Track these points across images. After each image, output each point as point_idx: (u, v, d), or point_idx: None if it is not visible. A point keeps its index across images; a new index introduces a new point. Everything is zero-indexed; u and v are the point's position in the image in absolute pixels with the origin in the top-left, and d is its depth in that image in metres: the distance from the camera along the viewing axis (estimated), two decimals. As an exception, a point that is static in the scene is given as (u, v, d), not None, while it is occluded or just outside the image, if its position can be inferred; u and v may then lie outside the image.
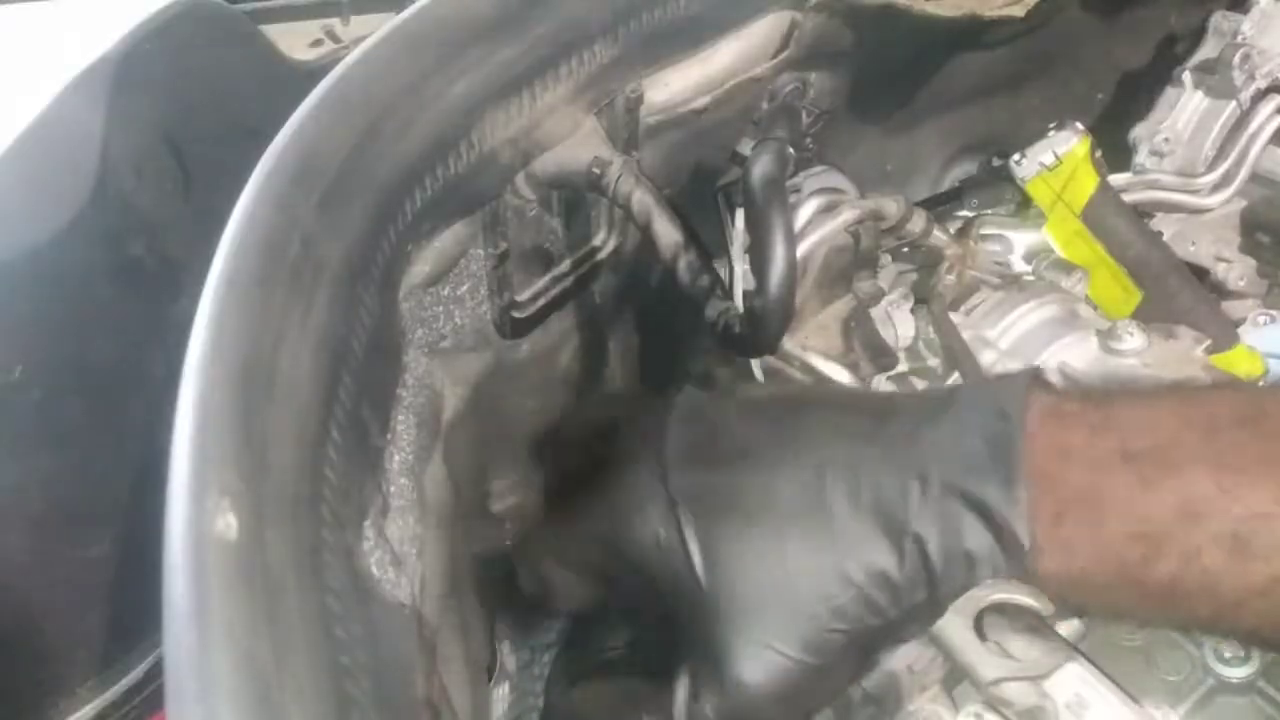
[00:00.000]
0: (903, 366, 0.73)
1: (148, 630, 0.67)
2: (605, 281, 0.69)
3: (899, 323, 0.75)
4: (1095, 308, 0.76)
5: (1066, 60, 0.96)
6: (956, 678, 0.53)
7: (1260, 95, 0.87)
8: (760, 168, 0.57)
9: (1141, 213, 0.86)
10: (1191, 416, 0.42)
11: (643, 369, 0.78)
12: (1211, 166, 0.87)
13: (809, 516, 0.44)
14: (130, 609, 0.65)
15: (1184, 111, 0.89)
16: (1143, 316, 0.73)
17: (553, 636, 0.71)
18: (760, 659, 0.43)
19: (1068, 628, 0.53)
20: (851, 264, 0.74)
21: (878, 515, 0.42)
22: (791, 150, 0.59)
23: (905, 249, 0.79)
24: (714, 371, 0.77)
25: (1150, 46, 1.00)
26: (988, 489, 0.41)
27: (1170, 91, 0.90)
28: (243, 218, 0.41)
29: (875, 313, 0.75)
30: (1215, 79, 0.87)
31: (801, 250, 0.69)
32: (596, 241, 0.67)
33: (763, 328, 0.56)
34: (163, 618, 0.32)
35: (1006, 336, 0.70)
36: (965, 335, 0.69)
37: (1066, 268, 0.78)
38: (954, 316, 0.71)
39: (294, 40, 0.96)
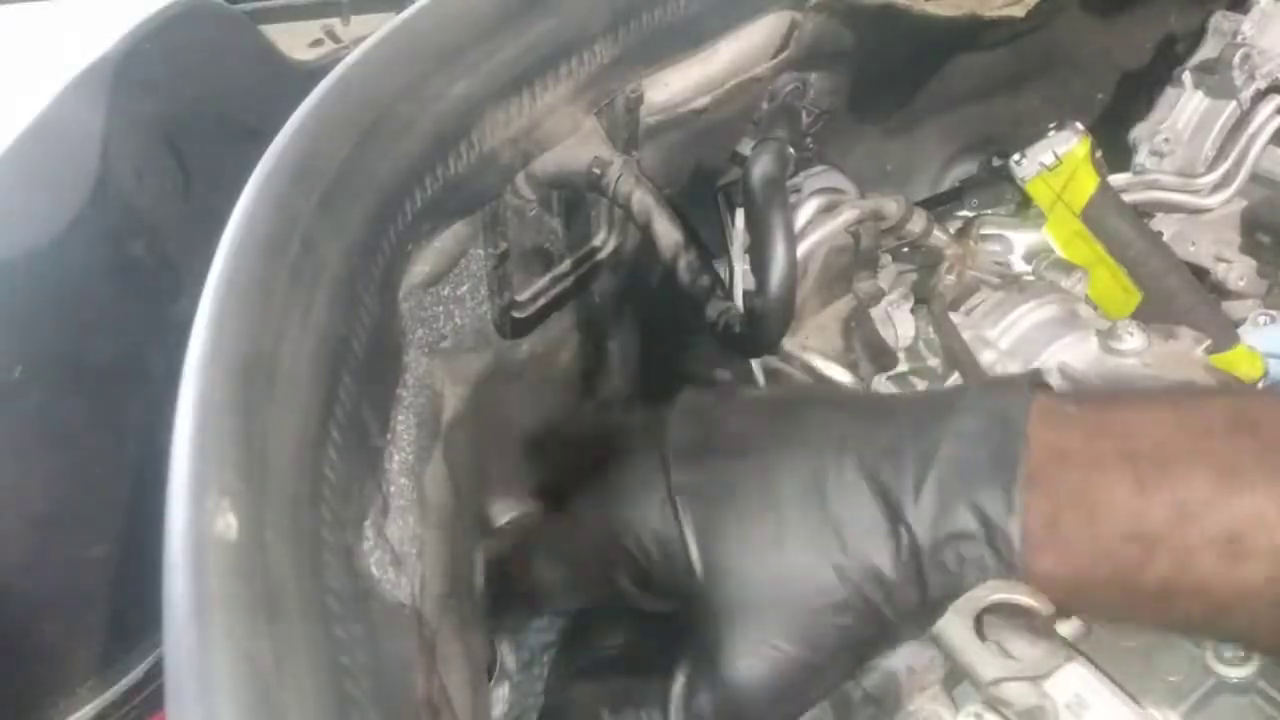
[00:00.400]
0: (903, 366, 0.73)
1: (148, 630, 0.67)
2: (605, 281, 0.69)
3: (899, 323, 0.75)
4: (1095, 308, 0.76)
5: (1066, 60, 0.96)
6: (956, 678, 0.53)
7: (1260, 95, 0.87)
8: (760, 168, 0.57)
9: (1141, 213, 0.86)
10: (1187, 421, 0.42)
11: (643, 369, 0.78)
12: (1211, 167, 0.87)
13: (807, 514, 0.44)
14: (130, 609, 0.65)
15: (1184, 111, 0.89)
16: (1143, 316, 0.73)
17: (553, 636, 0.71)
18: (756, 654, 0.43)
19: (1068, 628, 0.53)
20: (851, 264, 0.74)
21: (876, 516, 0.43)
22: (791, 150, 0.59)
23: (905, 249, 0.79)
24: (714, 372, 0.77)
25: (1150, 46, 1.00)
26: (985, 494, 0.41)
27: (1170, 91, 0.90)
28: (243, 218, 0.41)
29: (875, 313, 0.75)
30: (1215, 79, 0.87)
31: (801, 250, 0.69)
32: (596, 241, 0.67)
33: (763, 328, 0.56)
34: (163, 618, 0.32)
35: (1006, 336, 0.70)
36: (965, 335, 0.69)
37: (1066, 268, 0.78)
38: (954, 316, 0.71)
39: (294, 40, 0.96)
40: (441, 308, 0.57)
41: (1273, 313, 0.83)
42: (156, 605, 0.32)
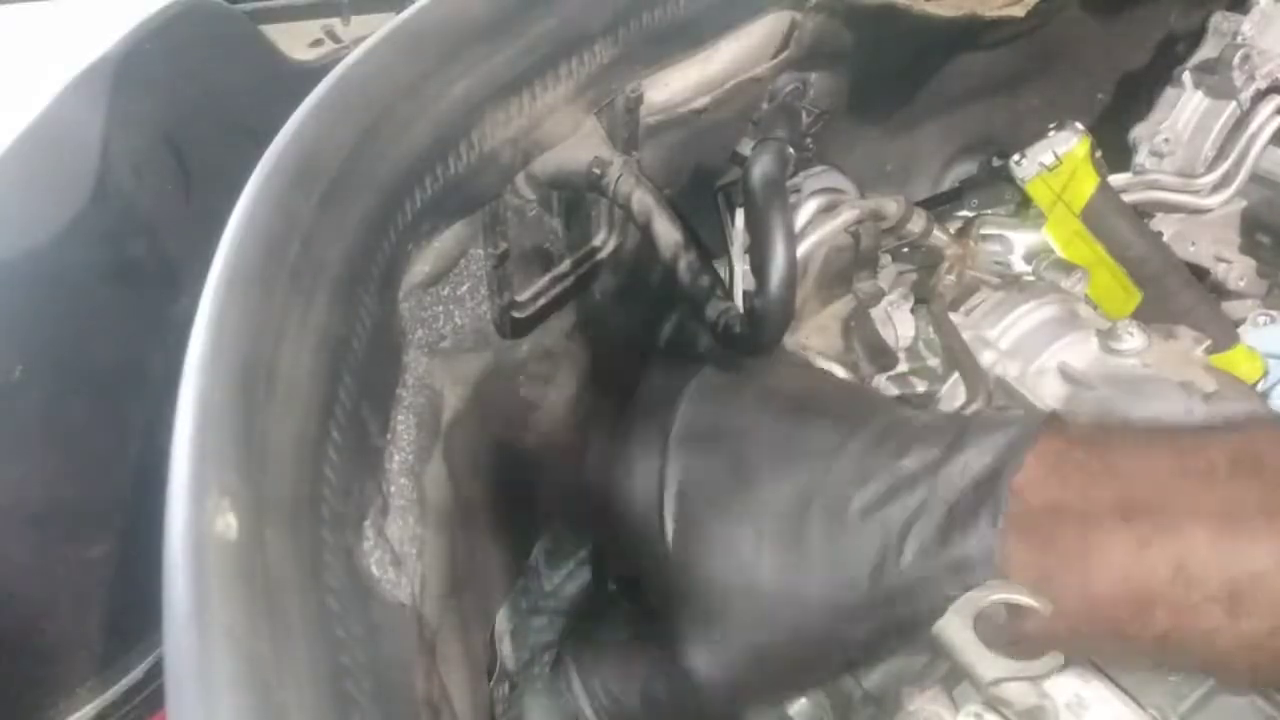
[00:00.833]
0: (903, 366, 0.73)
1: (148, 630, 0.67)
2: (605, 281, 0.69)
3: (899, 323, 0.74)
4: (1095, 308, 0.76)
5: (1066, 60, 0.96)
6: (956, 678, 0.53)
7: (1260, 95, 0.86)
8: (760, 168, 0.57)
9: (1141, 213, 0.86)
10: (1189, 465, 0.41)
11: (642, 369, 0.78)
12: (1211, 167, 0.87)
13: (787, 537, 0.44)
14: (130, 609, 0.65)
15: (1184, 112, 0.89)
16: (1143, 316, 0.73)
17: (553, 636, 0.71)
18: (711, 653, 0.44)
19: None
20: (851, 264, 0.74)
21: (853, 564, 0.43)
22: (791, 150, 0.59)
23: (905, 249, 0.79)
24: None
25: (1150, 46, 1.00)
26: (966, 547, 0.41)
27: (1170, 91, 0.90)
28: (243, 218, 0.41)
29: (875, 313, 0.75)
30: (1215, 79, 0.87)
31: (801, 250, 0.69)
32: (596, 241, 0.67)
33: (763, 328, 0.56)
34: (163, 618, 0.32)
35: (1006, 336, 0.69)
36: (965, 335, 0.69)
37: (1066, 268, 0.78)
38: (954, 316, 0.71)
39: (294, 40, 0.96)
40: (441, 308, 0.57)
41: (1273, 313, 0.83)
42: (156, 605, 0.32)
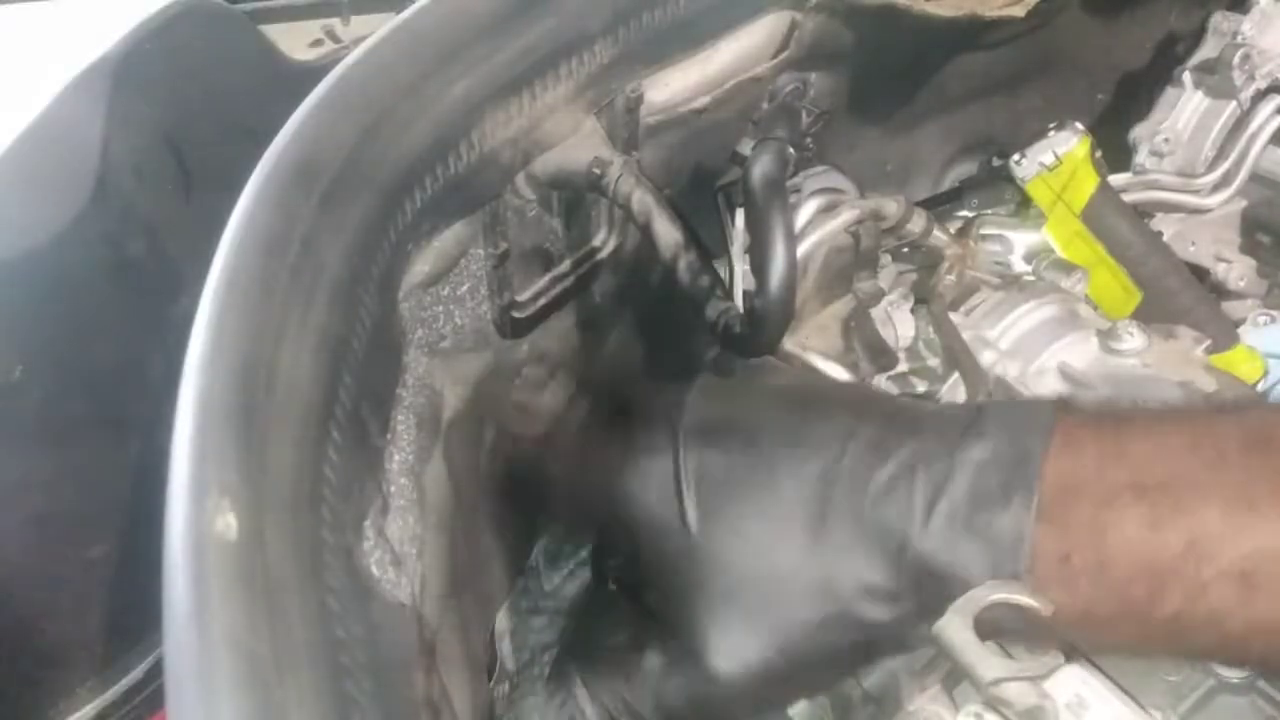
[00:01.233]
0: (903, 366, 0.73)
1: (148, 630, 0.67)
2: (605, 281, 0.69)
3: (899, 323, 0.75)
4: (1095, 308, 0.76)
5: (1066, 60, 0.96)
6: (956, 678, 0.53)
7: (1260, 95, 0.86)
8: (760, 168, 0.57)
9: (1141, 213, 0.86)
10: (1201, 445, 0.41)
11: (643, 369, 0.78)
12: (1211, 167, 0.87)
13: (810, 519, 0.43)
14: (130, 609, 0.65)
15: (1184, 111, 0.89)
16: (1143, 316, 0.73)
17: (553, 636, 0.71)
18: (734, 651, 0.43)
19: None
20: (851, 264, 0.74)
21: (878, 537, 0.42)
22: (791, 150, 0.59)
23: (905, 249, 0.79)
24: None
25: (1150, 46, 1.00)
26: (997, 521, 0.41)
27: (1170, 91, 0.90)
28: (243, 218, 0.41)
29: (875, 313, 0.75)
30: (1215, 79, 0.87)
31: (802, 250, 0.69)
32: (596, 241, 0.67)
33: (763, 328, 0.56)
34: (163, 618, 0.32)
35: (1006, 337, 0.69)
36: (965, 335, 0.69)
37: (1066, 268, 0.78)
38: (954, 316, 0.71)
39: (294, 40, 0.96)
40: (441, 308, 0.57)
41: (1273, 313, 0.83)
42: (156, 605, 0.32)
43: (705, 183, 0.72)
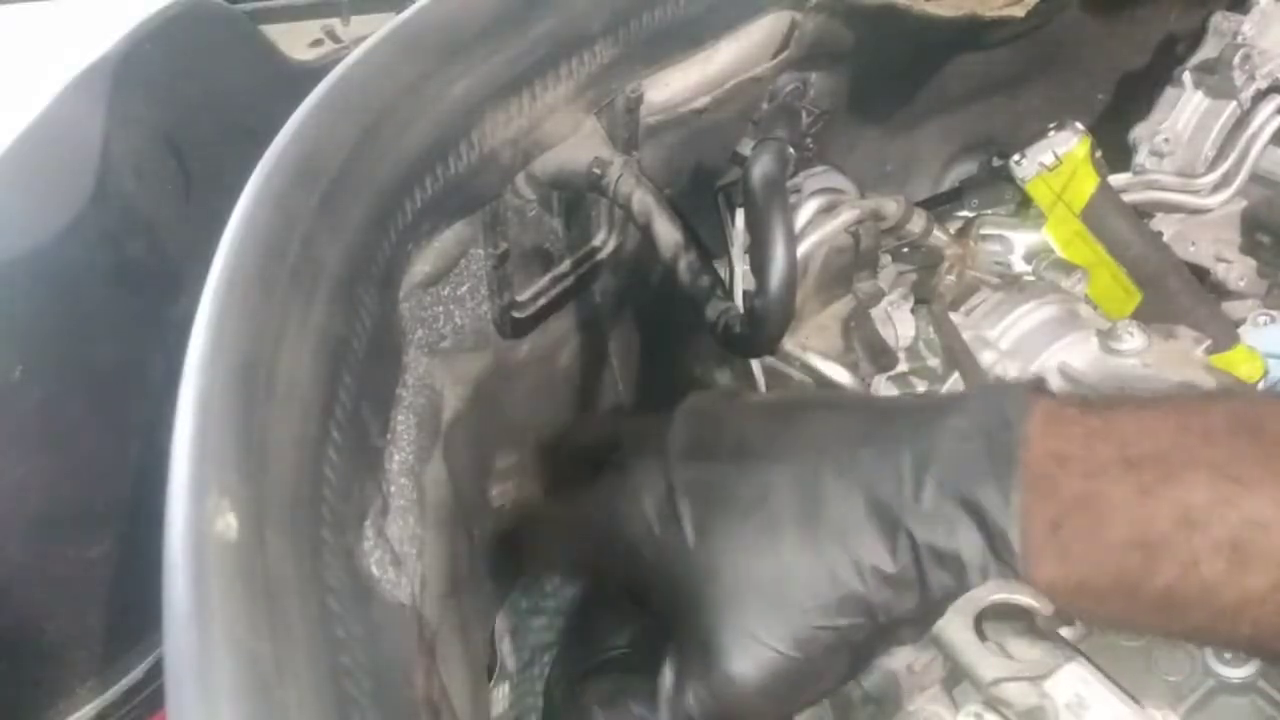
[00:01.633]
0: (903, 366, 0.73)
1: (148, 630, 0.67)
2: (605, 281, 0.69)
3: (899, 323, 0.74)
4: (1095, 308, 0.76)
5: (1066, 60, 0.96)
6: (956, 678, 0.53)
7: (1260, 95, 0.86)
8: (760, 168, 0.57)
9: (1141, 213, 0.86)
10: (1189, 425, 0.42)
11: (643, 369, 0.78)
12: (1211, 167, 0.87)
13: (804, 514, 0.44)
14: (130, 609, 0.65)
15: (1184, 112, 0.89)
16: (1143, 317, 0.73)
17: (553, 636, 0.71)
18: (748, 652, 0.43)
19: (1068, 629, 0.53)
20: (851, 264, 0.74)
21: (872, 515, 0.43)
22: (791, 150, 0.59)
23: (905, 249, 0.79)
24: (713, 372, 0.77)
25: (1150, 46, 1.00)
26: (984, 493, 0.41)
27: (1170, 91, 0.90)
28: (243, 218, 0.41)
29: (875, 313, 0.75)
30: (1215, 79, 0.87)
31: (802, 250, 0.69)
32: (596, 241, 0.67)
33: (763, 328, 0.56)
34: (163, 618, 0.32)
35: (1006, 337, 0.69)
36: (965, 335, 0.69)
37: (1066, 268, 0.78)
38: (954, 316, 0.71)
39: (294, 40, 0.96)
40: (441, 308, 0.57)
41: (1273, 313, 0.82)
42: (156, 605, 0.32)
43: (705, 183, 0.72)
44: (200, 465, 0.34)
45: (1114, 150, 0.86)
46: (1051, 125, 0.79)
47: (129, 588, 0.64)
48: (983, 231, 0.80)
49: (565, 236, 0.64)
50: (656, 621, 0.48)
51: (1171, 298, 0.79)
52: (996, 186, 0.84)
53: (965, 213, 0.85)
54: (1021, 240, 0.80)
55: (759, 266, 0.56)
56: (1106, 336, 0.66)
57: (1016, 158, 0.79)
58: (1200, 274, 0.90)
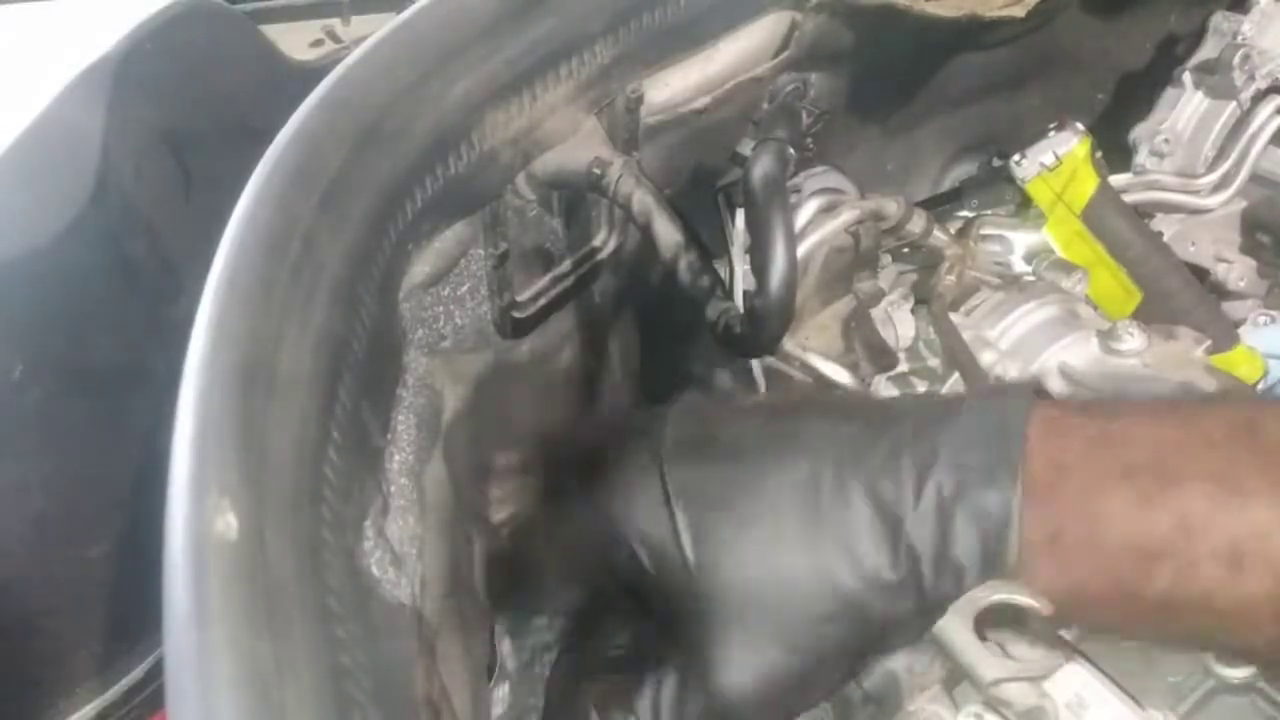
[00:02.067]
0: (903, 366, 0.73)
1: (148, 630, 0.67)
2: (605, 281, 0.69)
3: (899, 323, 0.75)
4: (1095, 308, 0.76)
5: (1066, 60, 0.96)
6: (956, 678, 0.53)
7: (1260, 96, 0.87)
8: (760, 168, 0.57)
9: (1142, 213, 0.86)
10: (1187, 432, 0.42)
11: (643, 369, 0.78)
12: (1212, 167, 0.87)
13: (802, 519, 0.43)
14: (130, 609, 0.65)
15: (1184, 112, 0.89)
16: (1143, 317, 0.73)
17: (553, 636, 0.71)
18: (747, 660, 0.43)
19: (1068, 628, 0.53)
20: (852, 264, 0.74)
21: (873, 521, 0.42)
22: (792, 150, 0.59)
23: (905, 249, 0.79)
24: (713, 373, 0.77)
25: (1150, 46, 1.00)
26: (985, 500, 0.41)
27: (1170, 92, 0.90)
28: (243, 218, 0.41)
29: (875, 313, 0.75)
30: (1215, 79, 0.87)
31: (802, 250, 0.69)
32: (596, 241, 0.67)
33: (763, 328, 0.56)
34: (163, 618, 0.32)
35: (1006, 337, 0.69)
36: (965, 335, 0.69)
37: (1066, 268, 0.78)
38: (954, 317, 0.71)
39: (294, 40, 0.96)
40: (441, 308, 0.56)
41: (1273, 313, 0.83)
42: (156, 605, 0.32)
43: (705, 183, 0.72)
44: (200, 465, 0.34)
45: (1114, 150, 0.86)
46: (1051, 125, 0.79)
47: (129, 588, 0.64)
48: (983, 231, 0.80)
49: (565, 236, 0.64)
50: (655, 638, 0.48)
51: (1171, 298, 0.80)
52: (996, 186, 0.84)
53: (965, 213, 0.85)
54: (1021, 240, 0.80)
55: (759, 266, 0.56)
56: (1106, 337, 0.66)
57: (1016, 158, 0.79)
58: (1200, 274, 0.90)
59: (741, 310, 0.58)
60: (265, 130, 0.45)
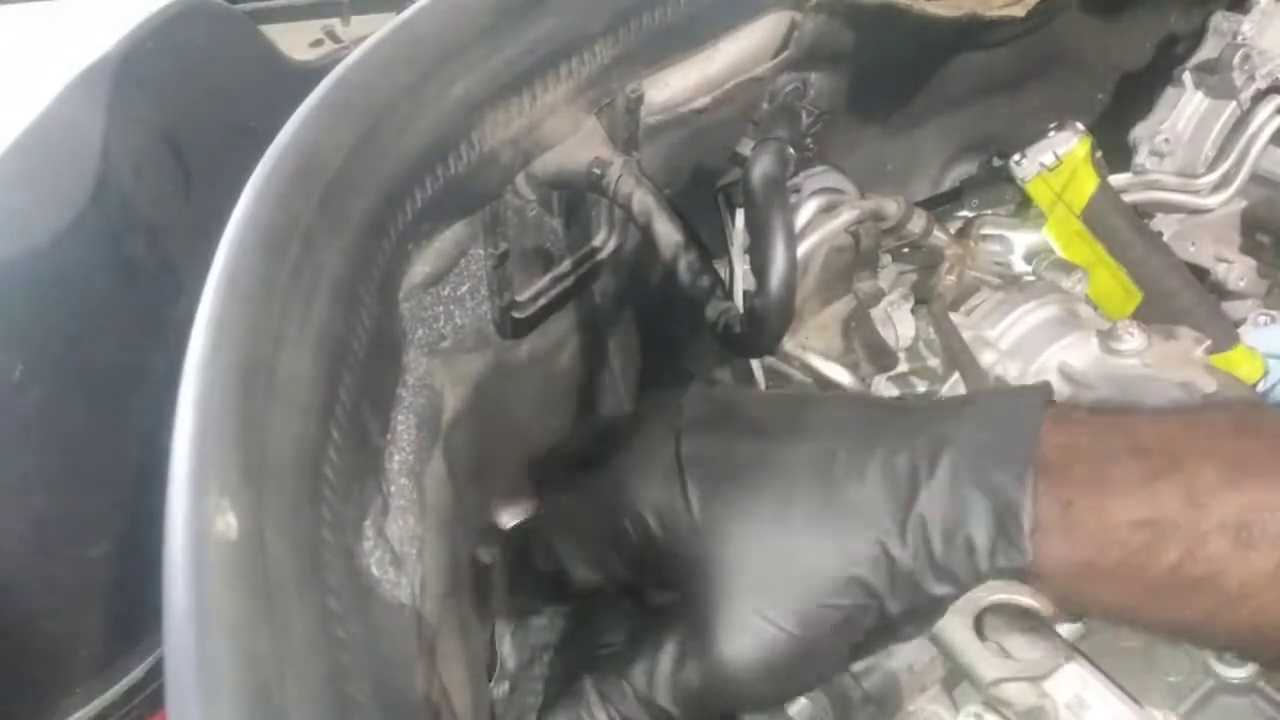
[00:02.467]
0: (903, 366, 0.73)
1: (148, 630, 0.67)
2: (605, 281, 0.69)
3: (899, 323, 0.75)
4: (1095, 308, 0.76)
5: (1066, 60, 0.96)
6: (956, 678, 0.53)
7: (1260, 96, 0.87)
8: (760, 168, 0.57)
9: (1142, 213, 0.86)
10: (1194, 425, 0.43)
11: (643, 369, 0.78)
12: (1211, 167, 0.87)
13: (815, 491, 0.44)
14: (130, 609, 0.65)
15: (1184, 112, 0.89)
16: (1143, 316, 0.73)
17: (553, 636, 0.71)
18: (750, 630, 0.43)
19: (1068, 628, 0.53)
20: (852, 264, 0.74)
21: (884, 495, 0.42)
22: (792, 150, 0.59)
23: (905, 249, 0.79)
24: (713, 372, 0.77)
25: (1150, 46, 1.00)
26: (998, 473, 0.41)
27: (1170, 92, 0.90)
28: (243, 218, 0.41)
29: (875, 313, 0.75)
30: (1215, 79, 0.87)
31: (802, 250, 0.69)
32: (596, 241, 0.67)
33: (763, 328, 0.56)
34: (163, 618, 0.32)
35: (1007, 337, 0.69)
36: (965, 335, 0.69)
37: (1066, 268, 0.78)
38: (954, 317, 0.71)
39: (294, 40, 0.96)
40: (441, 308, 0.56)
41: (1273, 313, 0.83)
42: (156, 605, 0.32)
43: (705, 183, 0.72)
44: (200, 465, 0.34)
45: (1114, 150, 0.86)
46: (1051, 125, 0.79)
47: (129, 588, 0.64)
48: (983, 231, 0.80)
49: (565, 236, 0.64)
50: (656, 619, 0.48)
51: (1171, 298, 0.80)
52: (996, 186, 0.84)
53: (965, 213, 0.85)
54: (1021, 240, 0.80)
55: (759, 266, 0.56)
56: (1106, 336, 0.66)
57: (1017, 158, 0.79)
58: (1200, 274, 0.90)
59: (741, 310, 0.58)
60: (265, 130, 0.45)
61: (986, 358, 0.68)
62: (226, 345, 0.38)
